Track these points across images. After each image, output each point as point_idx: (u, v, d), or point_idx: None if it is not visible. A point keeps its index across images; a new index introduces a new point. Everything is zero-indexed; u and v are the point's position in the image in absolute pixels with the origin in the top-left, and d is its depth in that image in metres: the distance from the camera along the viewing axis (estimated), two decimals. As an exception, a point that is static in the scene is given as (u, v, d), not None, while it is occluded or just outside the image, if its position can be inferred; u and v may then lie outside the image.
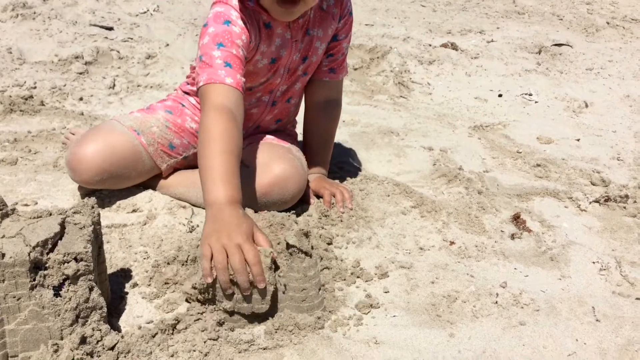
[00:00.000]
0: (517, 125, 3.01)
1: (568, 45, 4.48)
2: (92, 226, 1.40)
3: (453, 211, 2.10)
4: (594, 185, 2.39)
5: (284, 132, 2.26)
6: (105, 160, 1.95)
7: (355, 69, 3.80)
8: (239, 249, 1.40)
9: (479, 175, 2.41)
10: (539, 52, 4.31)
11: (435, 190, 2.27)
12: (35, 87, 3.08)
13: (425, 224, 2.03)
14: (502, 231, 2.00)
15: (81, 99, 3.04)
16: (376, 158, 2.57)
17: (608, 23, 5.13)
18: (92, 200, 1.49)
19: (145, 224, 1.95)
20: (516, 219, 2.07)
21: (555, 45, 4.47)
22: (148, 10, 4.53)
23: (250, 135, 2.17)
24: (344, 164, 2.46)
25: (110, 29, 3.99)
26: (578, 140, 2.84)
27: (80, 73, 3.33)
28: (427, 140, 2.75)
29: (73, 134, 2.47)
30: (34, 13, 4.10)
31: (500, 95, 3.40)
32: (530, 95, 3.40)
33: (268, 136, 2.14)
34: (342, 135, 2.75)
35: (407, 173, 2.44)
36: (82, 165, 1.95)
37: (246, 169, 1.95)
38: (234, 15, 1.81)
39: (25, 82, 3.10)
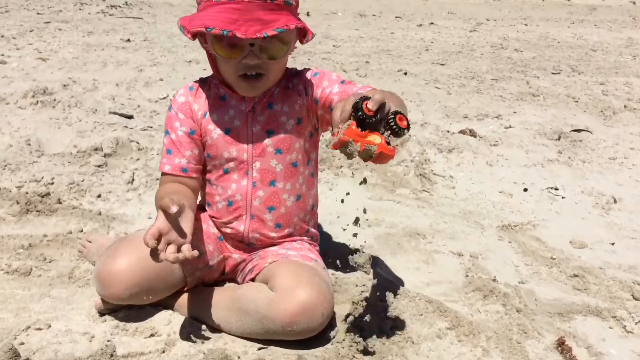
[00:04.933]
0: (547, 225, 2.85)
1: (587, 130, 4.36)
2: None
3: (492, 335, 1.93)
4: (636, 300, 2.21)
5: (302, 243, 2.10)
6: (137, 274, 1.84)
7: (375, 158, 3.68)
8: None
9: (515, 288, 2.24)
10: (559, 139, 4.19)
11: (471, 307, 2.10)
12: (52, 183, 2.96)
13: (463, 350, 1.85)
14: (547, 361, 1.82)
15: (99, 196, 2.92)
16: (403, 265, 2.41)
17: (625, 106, 5.03)
18: None
19: (163, 352, 1.79)
20: (561, 344, 1.89)
21: (574, 130, 4.35)
22: (168, 95, 4.47)
23: (263, 248, 2.05)
24: (371, 272, 2.29)
25: (130, 117, 3.91)
26: (612, 244, 2.67)
27: (99, 166, 3.22)
28: (455, 244, 2.60)
29: (90, 242, 2.34)
30: (54, 100, 4.05)
31: (525, 190, 3.26)
32: (557, 189, 3.26)
33: (290, 252, 2.01)
34: (367, 239, 2.60)
35: (438, 283, 2.27)
36: (114, 279, 1.84)
37: (269, 293, 1.81)
38: (179, 94, 1.98)
39: (42, 178, 2.98)
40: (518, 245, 2.64)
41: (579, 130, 4.37)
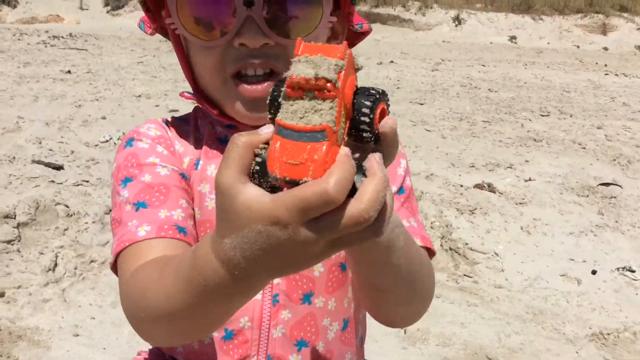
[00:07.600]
0: (652, 331, 1.96)
1: (617, 184, 3.55)
2: None
3: None
4: None
5: None
6: None
7: (382, 223, 2.73)
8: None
9: None
10: (588, 195, 3.36)
11: None
12: None
13: None
14: None
15: (2, 294, 1.86)
16: (488, 423, 1.45)
17: (642, 156, 4.27)
18: None
19: None
20: None
21: (602, 184, 3.54)
22: (111, 138, 3.41)
23: None
24: None
25: (59, 167, 2.84)
26: None
27: (9, 242, 2.15)
28: (549, 376, 1.66)
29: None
30: (-41, 144, 2.95)
31: (594, 273, 2.37)
32: (632, 271, 2.38)
33: None
34: (416, 367, 1.64)
35: None
36: None
37: None
38: (145, 127, 0.97)
39: None
40: (633, 372, 1.72)
41: (607, 184, 3.56)
